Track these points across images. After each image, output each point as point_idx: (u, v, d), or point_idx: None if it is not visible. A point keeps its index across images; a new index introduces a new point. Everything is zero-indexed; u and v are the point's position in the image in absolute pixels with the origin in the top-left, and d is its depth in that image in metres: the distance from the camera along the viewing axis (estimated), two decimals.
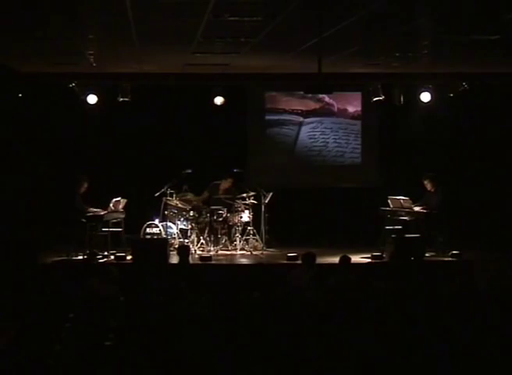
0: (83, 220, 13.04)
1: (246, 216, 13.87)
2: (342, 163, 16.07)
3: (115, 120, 14.99)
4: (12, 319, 9.11)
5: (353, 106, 15.96)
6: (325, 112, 15.91)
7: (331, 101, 15.86)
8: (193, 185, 14.15)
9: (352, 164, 16.07)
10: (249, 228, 13.92)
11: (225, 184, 14.18)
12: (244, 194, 13.95)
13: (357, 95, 15.85)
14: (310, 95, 15.50)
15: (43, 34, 9.53)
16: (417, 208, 13.48)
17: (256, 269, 11.11)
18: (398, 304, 8.37)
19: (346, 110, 15.97)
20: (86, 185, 13.35)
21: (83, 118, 14.58)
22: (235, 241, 13.85)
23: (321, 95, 15.58)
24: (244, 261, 13.14)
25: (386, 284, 9.40)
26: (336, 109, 15.92)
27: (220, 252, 13.64)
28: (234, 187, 14.23)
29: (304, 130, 15.94)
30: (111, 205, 13.39)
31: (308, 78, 11.05)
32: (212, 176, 14.27)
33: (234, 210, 13.84)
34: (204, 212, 13.84)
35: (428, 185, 13.65)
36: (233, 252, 13.70)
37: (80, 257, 12.79)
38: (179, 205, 13.84)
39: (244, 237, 13.87)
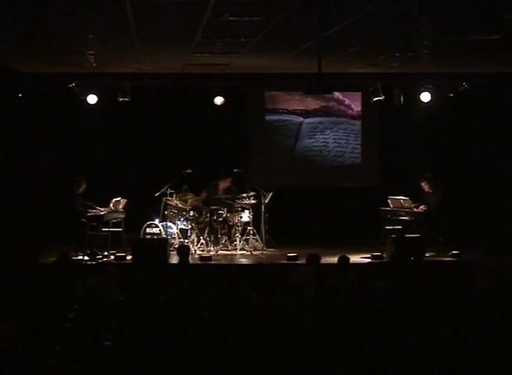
0: (83, 220, 13.05)
1: (246, 216, 13.87)
2: (342, 163, 16.08)
3: (115, 120, 14.99)
4: (12, 319, 9.11)
5: (353, 106, 15.97)
6: (325, 111, 15.92)
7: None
8: (193, 185, 14.16)
9: (352, 164, 16.07)
10: (249, 228, 13.92)
11: (224, 184, 14.17)
12: (244, 194, 13.95)
13: (357, 95, 15.86)
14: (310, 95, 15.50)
15: (43, 34, 9.53)
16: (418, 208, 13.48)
17: (256, 269, 11.10)
18: (398, 304, 8.37)
19: (346, 110, 15.98)
20: (84, 185, 13.36)
21: (83, 118, 14.59)
22: (235, 241, 13.85)
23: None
24: (244, 261, 13.13)
25: (386, 284, 9.40)
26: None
27: (220, 252, 13.64)
28: (234, 187, 14.23)
29: (304, 130, 15.94)
30: (111, 205, 13.39)
31: (308, 78, 11.05)
32: (212, 176, 14.26)
33: (234, 210, 13.83)
34: (204, 212, 13.84)
35: (426, 186, 13.63)
36: (233, 252, 13.69)
37: (80, 257, 12.81)
38: (179, 205, 13.84)
39: (244, 237, 13.86)
